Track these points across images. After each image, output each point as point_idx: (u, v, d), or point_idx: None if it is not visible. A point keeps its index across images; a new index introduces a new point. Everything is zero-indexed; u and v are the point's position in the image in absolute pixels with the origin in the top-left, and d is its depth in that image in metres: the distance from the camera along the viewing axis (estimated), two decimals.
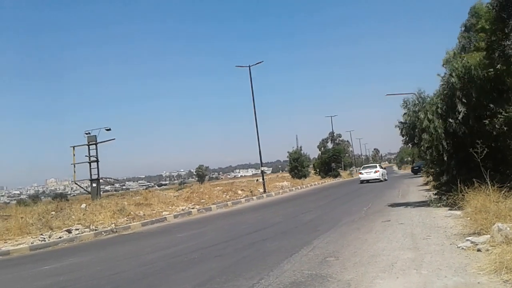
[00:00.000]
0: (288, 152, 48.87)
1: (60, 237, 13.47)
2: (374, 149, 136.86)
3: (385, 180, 34.46)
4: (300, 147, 50.55)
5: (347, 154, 78.34)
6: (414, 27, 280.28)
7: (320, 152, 65.94)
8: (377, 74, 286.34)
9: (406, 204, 13.65)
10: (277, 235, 9.87)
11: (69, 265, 8.99)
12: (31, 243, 12.83)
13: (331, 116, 67.75)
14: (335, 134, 79.35)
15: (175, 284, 6.06)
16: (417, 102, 12.26)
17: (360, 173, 35.41)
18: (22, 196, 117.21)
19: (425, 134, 11.41)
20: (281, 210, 17.27)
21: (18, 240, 13.50)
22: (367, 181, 33.32)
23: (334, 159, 56.48)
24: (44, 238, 13.28)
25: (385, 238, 7.90)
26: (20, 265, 9.83)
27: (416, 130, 11.80)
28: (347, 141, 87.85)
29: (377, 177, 33.50)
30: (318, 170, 57.30)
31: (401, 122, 12.66)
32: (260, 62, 33.64)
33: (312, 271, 5.82)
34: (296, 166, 46.88)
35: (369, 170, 34.75)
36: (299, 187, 36.15)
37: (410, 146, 13.97)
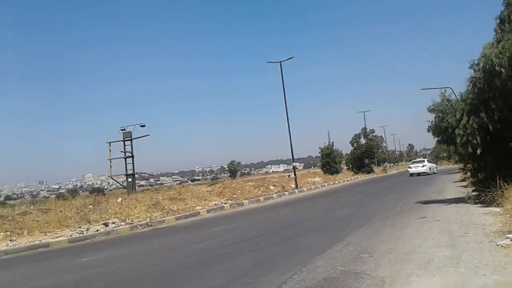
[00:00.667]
0: (319, 147, 48.53)
1: (97, 230, 13.87)
2: (409, 144, 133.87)
3: (434, 173, 37.03)
4: (332, 142, 50.05)
5: (380, 150, 77.17)
6: (450, 24, 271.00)
7: (352, 148, 65.13)
8: (411, 70, 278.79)
9: (442, 201, 13.32)
10: (310, 230, 9.84)
11: (106, 258, 9.26)
12: (70, 235, 13.26)
13: (363, 112, 66.21)
14: (368, 130, 78.47)
15: (209, 277, 6.13)
16: (443, 103, 11.94)
17: (409, 167, 39.00)
18: (61, 191, 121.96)
19: (458, 129, 11.08)
20: (313, 205, 17.21)
21: (58, 232, 13.97)
22: (418, 174, 36.03)
23: (367, 154, 55.60)
24: (82, 231, 13.71)
25: (421, 235, 7.73)
26: (60, 257, 10.17)
27: (449, 131, 11.48)
28: (381, 137, 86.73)
29: (424, 171, 36.36)
30: (350, 166, 56.55)
31: (430, 127, 12.39)
32: (291, 58, 32.35)
33: (346, 267, 5.77)
34: (328, 161, 46.42)
35: (417, 165, 38.12)
36: (331, 183, 35.84)
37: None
